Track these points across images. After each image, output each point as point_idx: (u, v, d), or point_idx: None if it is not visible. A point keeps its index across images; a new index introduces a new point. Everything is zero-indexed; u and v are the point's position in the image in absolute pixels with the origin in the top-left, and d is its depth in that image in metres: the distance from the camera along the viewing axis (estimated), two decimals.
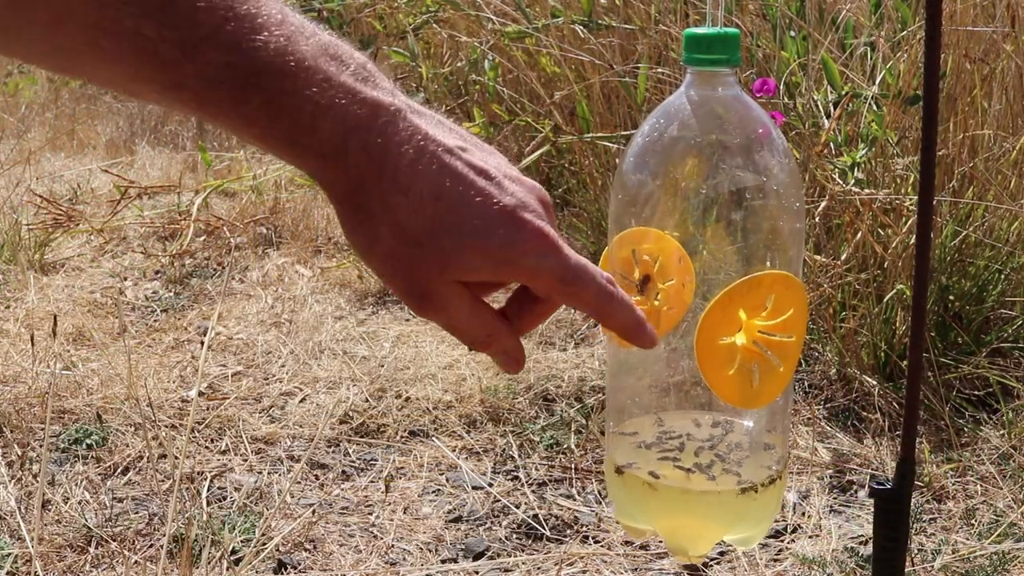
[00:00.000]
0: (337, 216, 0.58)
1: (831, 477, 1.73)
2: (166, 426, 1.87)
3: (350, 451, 1.83)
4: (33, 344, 2.07)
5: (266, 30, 0.53)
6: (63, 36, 0.51)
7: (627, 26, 2.38)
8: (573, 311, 2.24)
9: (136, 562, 1.50)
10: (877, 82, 1.93)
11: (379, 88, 0.56)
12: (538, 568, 1.52)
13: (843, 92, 1.89)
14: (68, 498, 1.65)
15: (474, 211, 0.56)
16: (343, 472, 1.78)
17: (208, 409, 1.94)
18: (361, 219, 0.57)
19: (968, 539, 1.54)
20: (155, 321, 2.36)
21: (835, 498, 1.68)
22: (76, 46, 0.51)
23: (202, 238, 2.82)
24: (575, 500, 1.68)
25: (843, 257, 1.92)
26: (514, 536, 1.60)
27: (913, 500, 1.60)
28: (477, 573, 1.51)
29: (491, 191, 0.57)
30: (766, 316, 0.65)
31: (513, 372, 0.64)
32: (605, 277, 0.60)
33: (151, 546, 1.54)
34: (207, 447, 1.83)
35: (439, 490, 1.72)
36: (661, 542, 1.49)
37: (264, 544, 1.53)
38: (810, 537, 1.57)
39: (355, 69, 0.55)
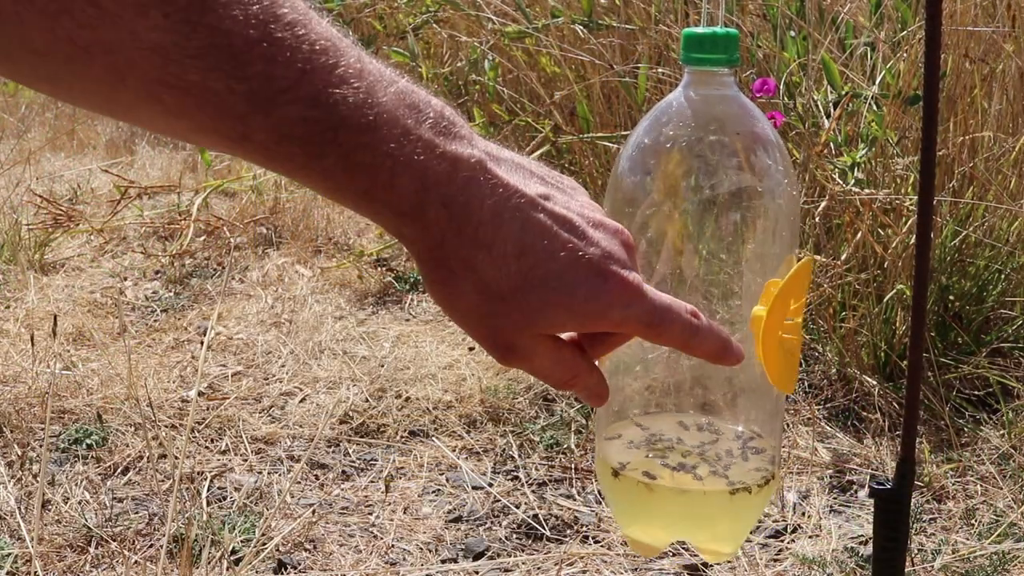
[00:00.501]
0: (418, 270, 0.57)
1: (831, 477, 1.73)
2: (166, 426, 1.87)
3: (350, 451, 1.83)
4: (33, 344, 2.07)
5: (345, 83, 0.50)
6: (121, 90, 0.49)
7: (627, 26, 2.38)
8: None
9: (136, 562, 1.50)
10: (877, 82, 1.93)
11: (458, 139, 0.55)
12: (538, 568, 1.52)
13: (843, 92, 1.89)
14: (68, 498, 1.65)
15: (559, 266, 0.56)
16: (343, 472, 1.78)
17: (208, 409, 1.94)
18: (443, 275, 0.56)
19: (968, 539, 1.54)
20: (155, 321, 2.36)
21: (835, 498, 1.68)
22: (135, 100, 0.49)
23: (202, 238, 2.82)
24: (575, 500, 1.68)
25: (843, 257, 1.92)
26: (514, 536, 1.60)
27: (913, 500, 1.60)
28: (477, 573, 1.51)
29: (575, 243, 0.56)
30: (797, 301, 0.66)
31: (596, 406, 0.63)
32: (688, 310, 0.60)
33: (151, 546, 1.54)
34: (207, 447, 1.83)
35: (439, 490, 1.72)
36: None
37: (264, 544, 1.53)
38: (810, 537, 1.57)
39: (434, 120, 0.54)
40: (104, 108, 0.52)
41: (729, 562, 1.51)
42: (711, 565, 1.50)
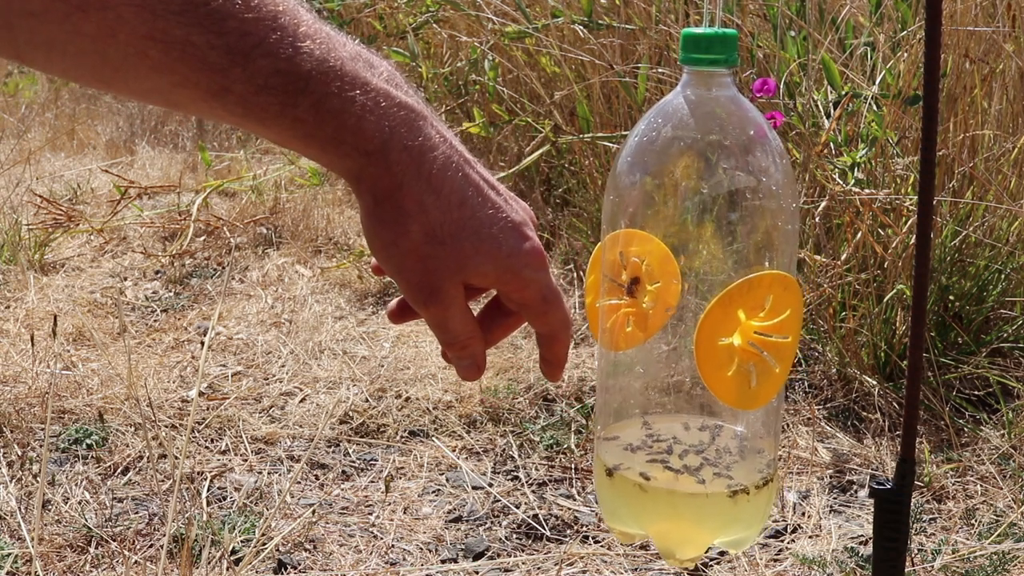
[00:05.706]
0: (364, 210, 0.61)
1: (831, 477, 1.72)
2: (166, 426, 1.87)
3: (350, 451, 1.83)
4: (33, 344, 2.07)
5: (309, 38, 0.56)
6: (112, 48, 0.53)
7: (627, 26, 2.38)
8: (573, 311, 2.24)
9: (136, 562, 1.50)
10: (877, 82, 1.93)
11: (408, 95, 0.60)
12: (538, 568, 1.52)
13: (843, 92, 1.89)
14: (68, 498, 1.65)
15: (490, 220, 0.62)
16: (343, 472, 1.78)
17: (208, 409, 1.94)
18: (396, 215, 0.60)
19: (968, 539, 1.54)
20: (155, 321, 2.36)
21: (835, 498, 1.68)
22: (124, 56, 0.53)
23: (202, 238, 2.82)
24: (575, 500, 1.68)
25: (843, 257, 1.92)
26: (514, 536, 1.60)
27: (913, 500, 1.60)
28: (477, 573, 1.51)
29: (502, 205, 0.63)
30: (764, 317, 0.64)
31: (472, 379, 0.68)
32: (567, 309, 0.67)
33: (151, 546, 1.54)
34: (207, 447, 1.83)
35: (439, 490, 1.72)
36: None
37: (264, 544, 1.53)
38: (810, 537, 1.57)
39: (387, 75, 0.60)
40: (95, 70, 0.55)
41: (729, 562, 1.51)
42: (711, 565, 1.50)
